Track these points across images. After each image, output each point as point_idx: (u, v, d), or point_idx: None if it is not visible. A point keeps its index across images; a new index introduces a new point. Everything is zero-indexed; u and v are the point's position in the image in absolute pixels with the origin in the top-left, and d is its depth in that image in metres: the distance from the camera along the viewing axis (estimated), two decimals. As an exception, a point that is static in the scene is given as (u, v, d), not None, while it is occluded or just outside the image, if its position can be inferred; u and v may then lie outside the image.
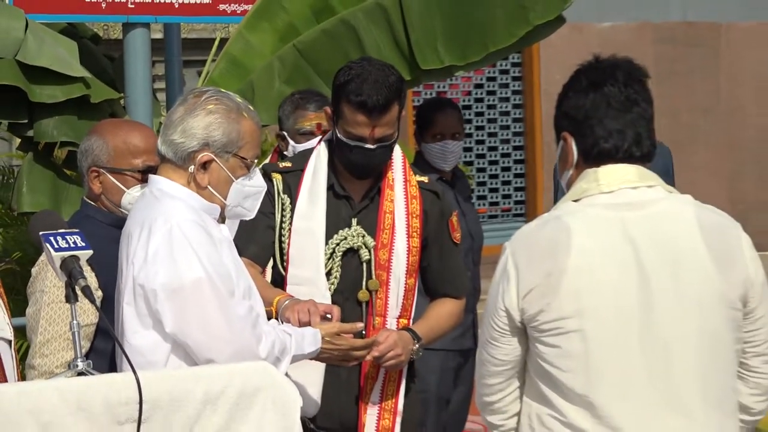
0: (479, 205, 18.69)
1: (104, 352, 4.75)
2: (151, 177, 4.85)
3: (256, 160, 4.87)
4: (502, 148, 19.21)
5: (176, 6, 7.22)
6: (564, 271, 3.92)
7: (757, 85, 20.02)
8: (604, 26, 18.07)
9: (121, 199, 5.10)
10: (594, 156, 4.04)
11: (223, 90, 4.97)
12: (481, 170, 18.84)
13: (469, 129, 19.00)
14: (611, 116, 4.02)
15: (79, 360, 4.28)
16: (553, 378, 3.95)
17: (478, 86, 18.94)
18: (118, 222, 5.04)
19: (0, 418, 3.95)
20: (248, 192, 4.81)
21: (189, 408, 4.22)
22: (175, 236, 4.61)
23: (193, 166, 4.74)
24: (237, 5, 7.34)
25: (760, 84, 20.06)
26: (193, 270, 4.60)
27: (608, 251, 3.94)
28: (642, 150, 4.05)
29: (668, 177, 7.56)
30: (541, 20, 7.17)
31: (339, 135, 5.41)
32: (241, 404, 4.29)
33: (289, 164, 5.61)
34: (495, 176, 19.11)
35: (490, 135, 19.14)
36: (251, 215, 4.92)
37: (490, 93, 19.11)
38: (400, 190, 5.53)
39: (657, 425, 3.90)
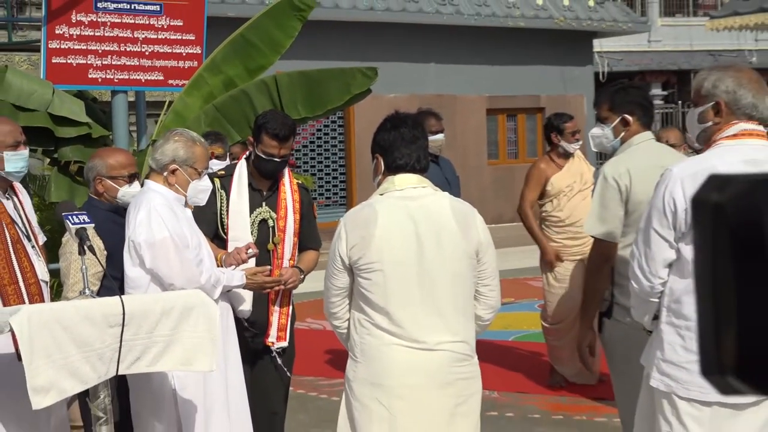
0: (320, 198, 18.77)
1: (110, 288, 4.68)
2: (145, 180, 4.90)
3: (205, 170, 4.90)
4: (333, 166, 19.26)
5: (143, 81, 7.15)
6: (372, 236, 3.92)
7: (474, 136, 20.38)
8: (390, 96, 18.11)
9: (116, 195, 5.05)
10: (393, 168, 4.03)
11: (186, 129, 5.03)
12: (320, 179, 18.88)
13: (314, 155, 19.05)
14: (404, 146, 4.02)
15: (86, 290, 4.29)
16: (366, 297, 3.95)
17: (319, 130, 18.98)
18: (113, 208, 5.01)
19: (40, 324, 3.92)
20: (200, 189, 4.86)
21: (152, 317, 4.23)
22: (152, 213, 4.66)
23: (166, 172, 4.79)
24: (179, 80, 7.28)
25: (476, 136, 20.43)
26: (162, 232, 4.64)
27: (399, 224, 3.95)
28: (420, 165, 4.05)
29: (455, 177, 7.62)
30: (357, 91, 7.20)
31: (258, 153, 5.40)
32: (183, 314, 4.31)
33: (223, 172, 5.58)
34: (329, 182, 19.16)
35: (326, 158, 19.20)
36: (203, 203, 4.97)
37: (326, 134, 19.16)
38: (288, 187, 5.55)
39: (424, 323, 3.91)
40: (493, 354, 8.53)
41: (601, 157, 18.99)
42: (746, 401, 3.51)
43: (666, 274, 3.58)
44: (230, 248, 5.33)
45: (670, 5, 33.44)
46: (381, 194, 4.04)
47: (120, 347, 4.11)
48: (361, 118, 18.82)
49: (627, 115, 4.81)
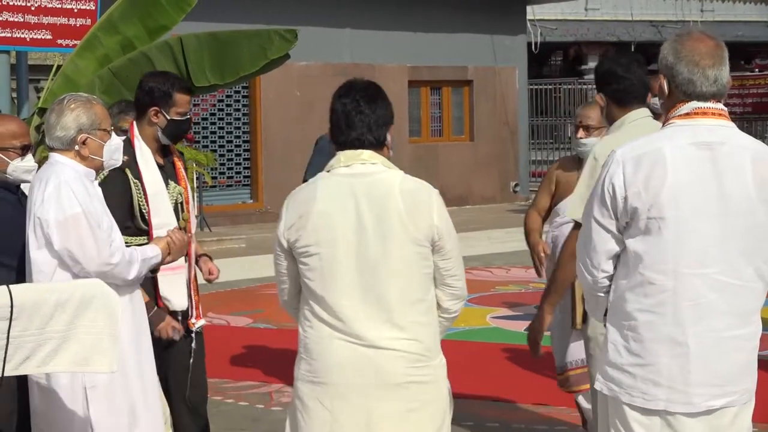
0: (221, 177, 18.61)
1: (11, 266, 4.66)
2: (50, 153, 4.80)
3: (112, 127, 4.89)
4: (236, 142, 19.17)
5: (28, 40, 7.04)
6: (310, 214, 3.92)
7: (394, 110, 20.35)
8: (301, 64, 18.07)
9: (6, 169, 4.93)
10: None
11: (73, 93, 4.97)
12: (221, 155, 18.74)
13: (215, 129, 18.90)
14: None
15: (-34, 278, 4.20)
16: (307, 285, 3.97)
17: (221, 101, 18.88)
18: (3, 184, 4.93)
19: None
20: (113, 148, 4.85)
21: (45, 310, 4.11)
22: (62, 187, 4.59)
23: (77, 146, 4.73)
24: (70, 40, 7.18)
25: (396, 110, 20.21)
26: (74, 208, 4.57)
27: (338, 203, 3.94)
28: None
29: None
30: (275, 56, 7.15)
31: (172, 117, 5.43)
32: (81, 307, 4.20)
33: (126, 158, 5.44)
34: (231, 159, 19.03)
35: (228, 133, 19.10)
36: (120, 162, 4.97)
37: (228, 106, 19.10)
38: (175, 154, 5.67)
39: (367, 315, 3.90)
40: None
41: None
42: (696, 410, 3.51)
43: (611, 267, 3.58)
44: (155, 232, 5.35)
45: (610, -30, 33.90)
46: (327, 171, 4.05)
47: (6, 345, 4.00)
48: (268, 89, 18.71)
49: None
